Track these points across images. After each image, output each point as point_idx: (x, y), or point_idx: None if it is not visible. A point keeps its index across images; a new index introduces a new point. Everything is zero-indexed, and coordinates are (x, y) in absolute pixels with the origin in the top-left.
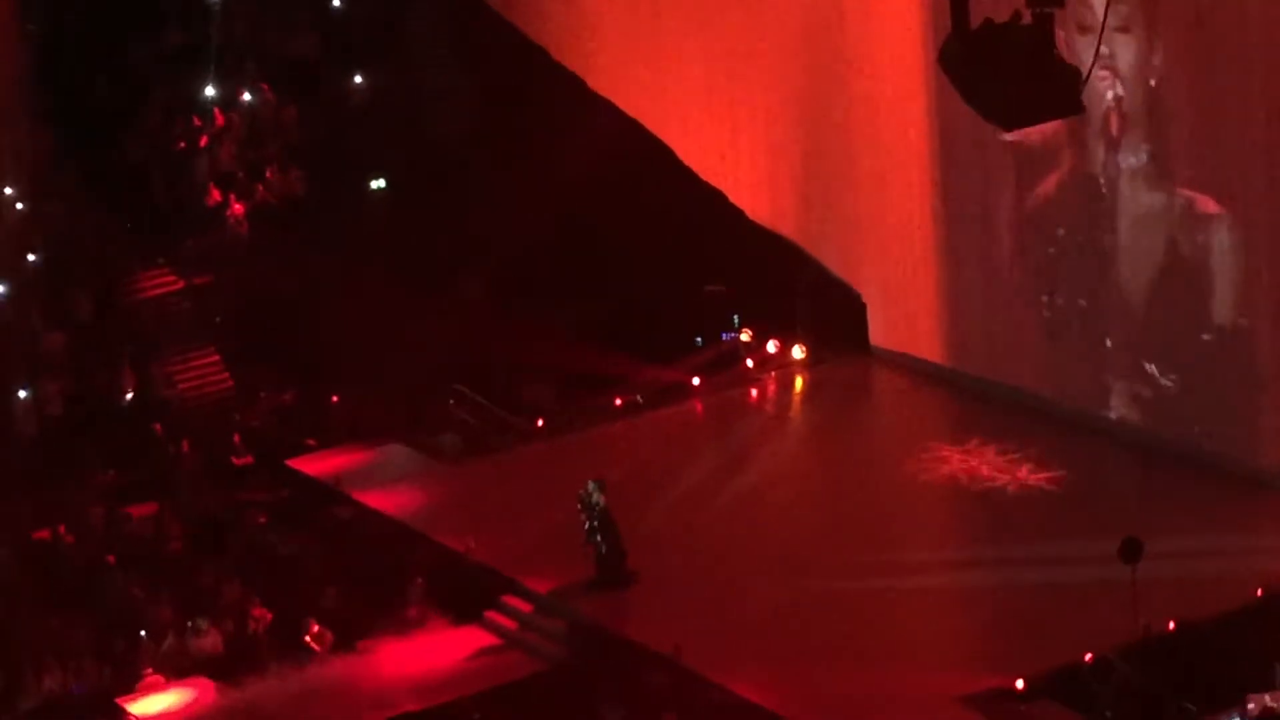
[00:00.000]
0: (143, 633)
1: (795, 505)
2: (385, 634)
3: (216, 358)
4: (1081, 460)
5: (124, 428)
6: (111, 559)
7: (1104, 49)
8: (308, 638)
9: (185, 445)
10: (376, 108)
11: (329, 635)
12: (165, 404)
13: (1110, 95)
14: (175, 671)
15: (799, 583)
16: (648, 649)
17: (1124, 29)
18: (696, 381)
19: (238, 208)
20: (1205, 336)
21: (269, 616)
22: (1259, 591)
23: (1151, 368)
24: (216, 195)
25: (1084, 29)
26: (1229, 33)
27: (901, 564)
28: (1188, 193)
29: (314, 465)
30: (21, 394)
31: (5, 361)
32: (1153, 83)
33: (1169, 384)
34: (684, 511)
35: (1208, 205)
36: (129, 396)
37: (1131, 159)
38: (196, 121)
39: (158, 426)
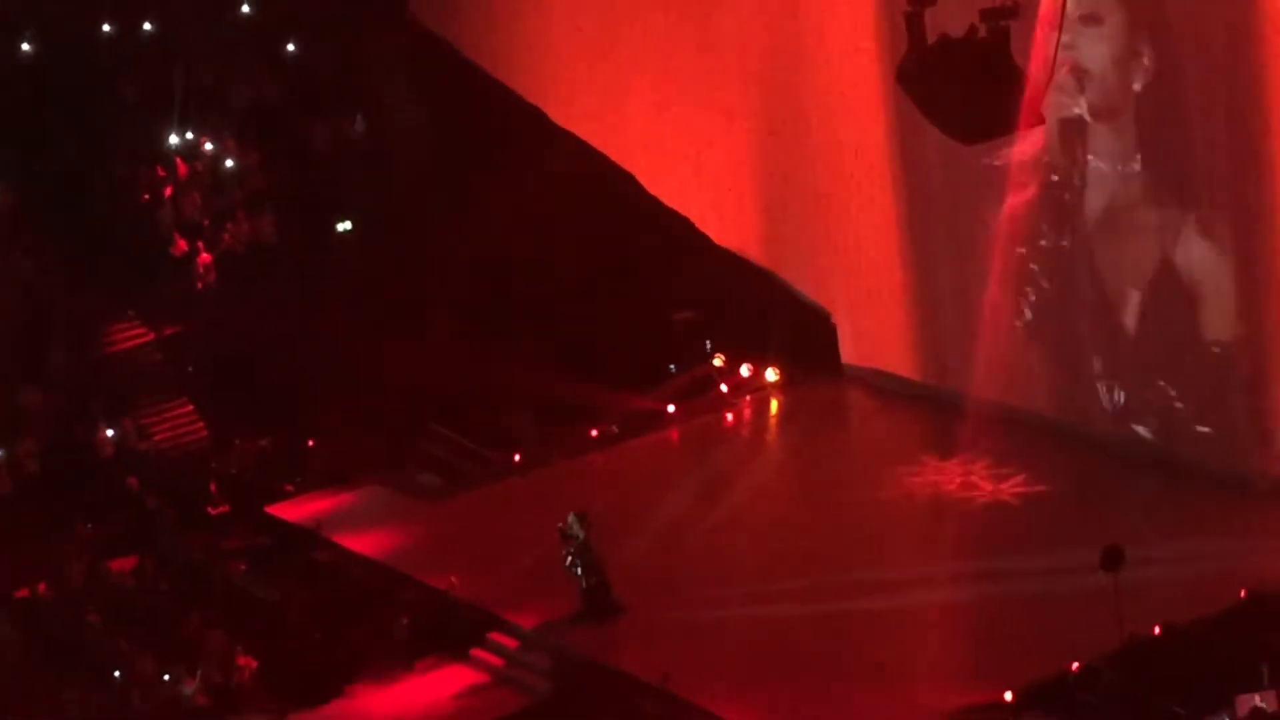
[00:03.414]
0: (127, 685)
1: (777, 528)
2: (372, 676)
3: (190, 408)
4: (1059, 470)
5: (101, 482)
6: (93, 614)
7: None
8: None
9: (163, 496)
10: (340, 150)
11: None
12: (141, 456)
13: (1076, 104)
14: None
15: (784, 605)
16: (636, 679)
17: (1094, 20)
18: (671, 409)
19: (205, 257)
20: (1179, 343)
21: (254, 664)
22: (1242, 593)
23: (1126, 375)
24: (183, 245)
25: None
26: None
27: (885, 581)
28: (1158, 201)
29: (293, 510)
30: None
31: None
32: (1137, 86)
33: (1144, 391)
34: (665, 539)
35: (1177, 213)
36: (105, 450)
37: (1116, 165)
38: (160, 172)
39: (134, 480)
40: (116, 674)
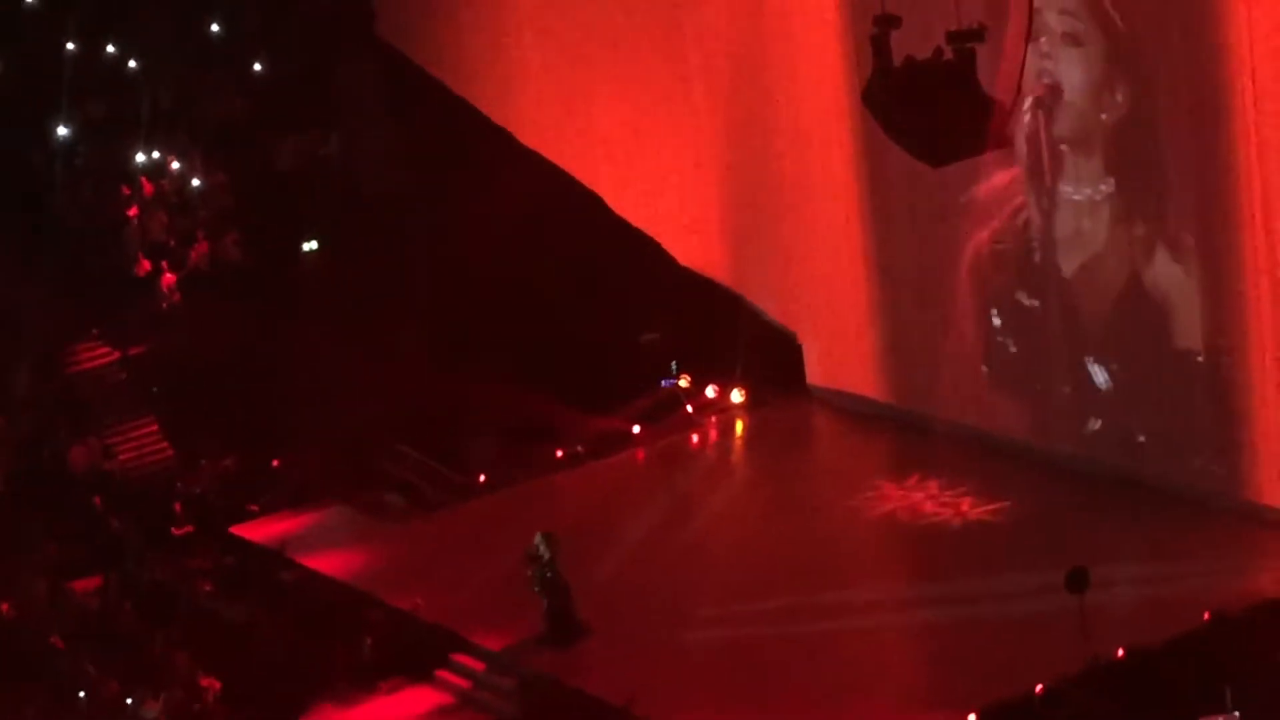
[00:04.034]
0: (90, 706)
1: (742, 549)
2: (337, 697)
3: (155, 427)
4: (1024, 492)
5: (65, 501)
6: (57, 634)
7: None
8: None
9: (127, 516)
10: (307, 169)
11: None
12: (106, 476)
13: (1046, 126)
14: None
15: (749, 627)
16: (602, 701)
17: (1074, 40)
18: (637, 429)
19: (170, 276)
20: (1146, 365)
21: (217, 685)
22: (1206, 615)
23: (1092, 397)
24: (147, 264)
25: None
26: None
27: (851, 603)
28: (1126, 224)
29: (258, 531)
30: None
31: None
32: (1104, 116)
33: (1110, 413)
34: (631, 560)
35: (1145, 237)
36: (72, 469)
37: (1083, 189)
38: (125, 191)
39: (98, 499)
40: (80, 695)
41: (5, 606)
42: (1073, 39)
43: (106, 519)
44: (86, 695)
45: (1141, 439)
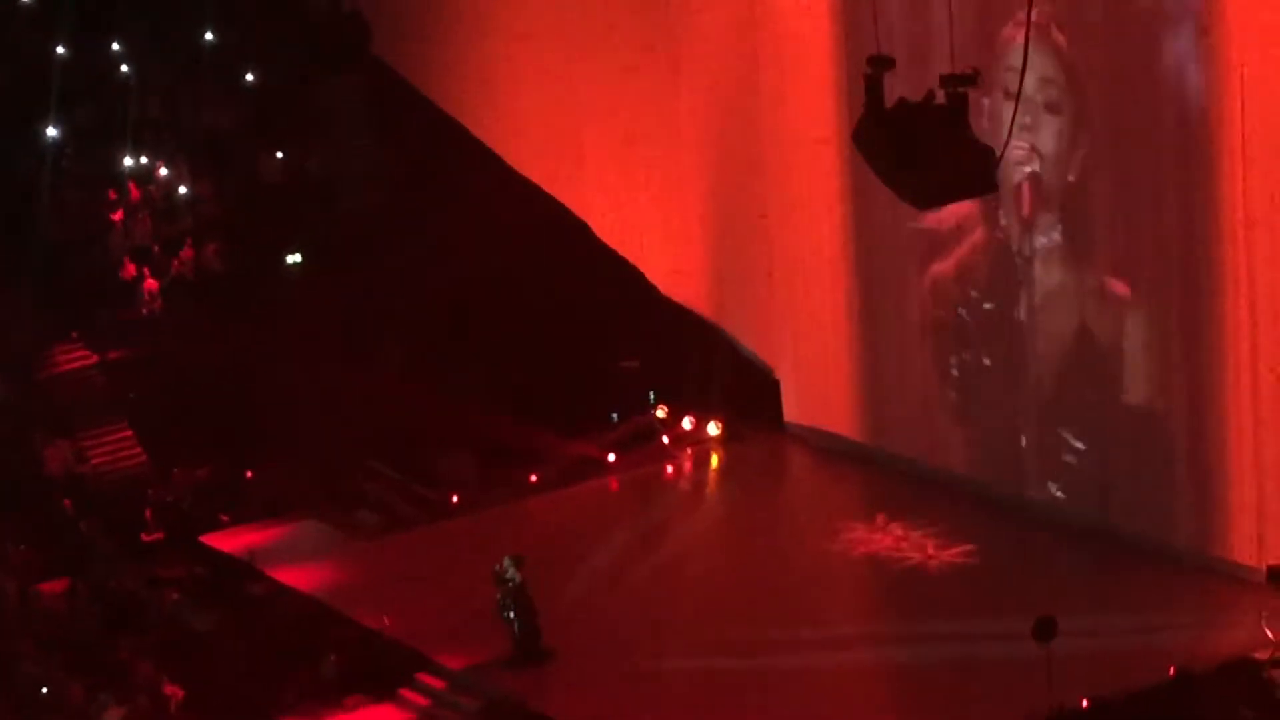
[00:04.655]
0: (53, 709)
1: (711, 581)
2: (299, 712)
3: (130, 433)
4: (994, 537)
5: (36, 503)
6: (24, 636)
7: (1027, 121)
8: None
9: (98, 521)
10: (293, 183)
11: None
12: (78, 480)
13: (1027, 171)
14: None
15: (714, 659)
16: None
17: (1052, 109)
18: (612, 457)
19: (152, 283)
20: (1117, 416)
21: (181, 694)
22: (1171, 671)
23: (1064, 445)
24: (131, 270)
25: (1009, 95)
26: (1145, 124)
27: (816, 640)
28: (1102, 273)
29: (228, 541)
30: None
31: None
32: (1071, 178)
33: (1081, 462)
34: (600, 588)
35: (1121, 287)
36: (41, 472)
37: (1047, 238)
38: (111, 195)
39: (69, 502)
40: (44, 692)
41: None
42: (1050, 107)
43: (77, 523)
44: (49, 697)
45: (1113, 491)
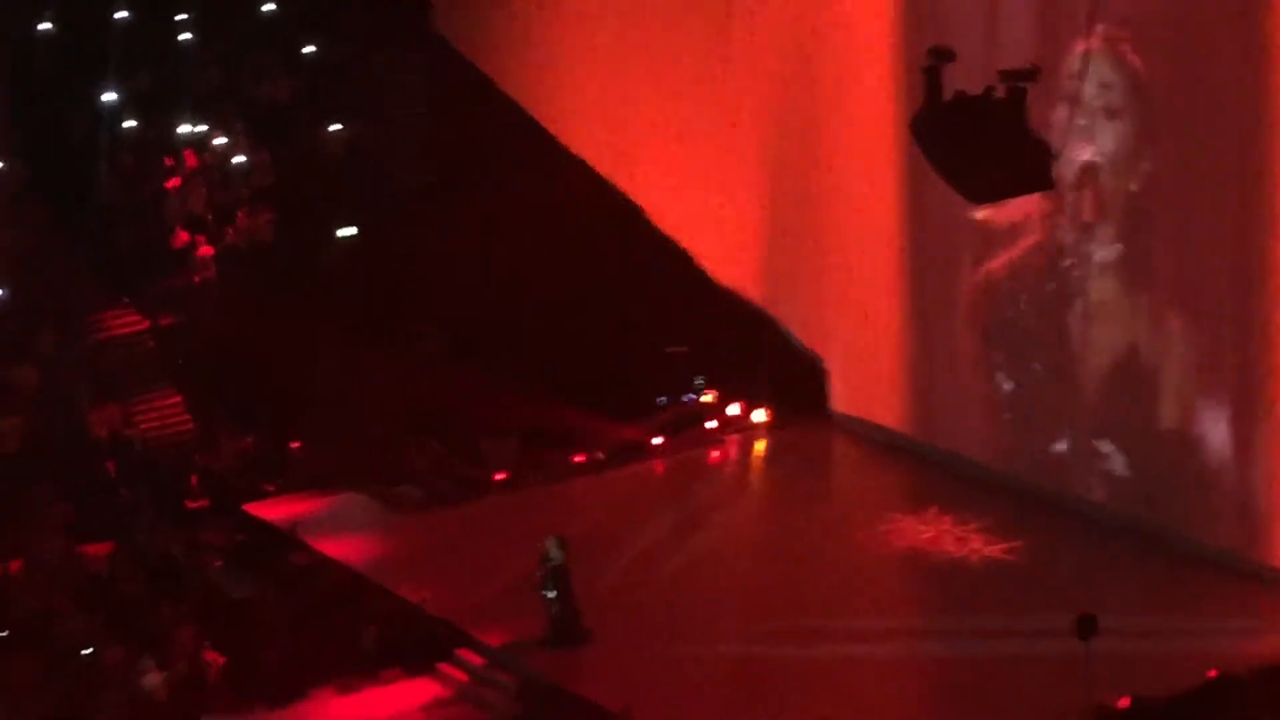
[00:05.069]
0: (92, 671)
1: (752, 568)
2: (337, 682)
3: (179, 399)
4: (1037, 534)
5: (82, 465)
6: (65, 596)
7: (1084, 124)
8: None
9: (142, 485)
10: (348, 156)
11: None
12: (125, 443)
13: (1088, 175)
14: (124, 713)
15: (753, 647)
16: (599, 707)
17: (1112, 114)
18: (658, 441)
19: (206, 250)
20: (1166, 417)
21: (221, 660)
22: (1212, 673)
23: (1108, 446)
24: (184, 237)
25: (1069, 98)
26: (1208, 139)
27: (856, 632)
28: (1157, 283)
29: (272, 511)
30: None
31: None
32: (1133, 187)
33: (1125, 463)
34: (640, 571)
35: (1163, 297)
36: (89, 434)
37: (1104, 243)
38: (168, 162)
39: (114, 465)
40: (85, 654)
41: (15, 565)
42: (1108, 111)
43: (122, 486)
44: (88, 660)
45: (1156, 493)
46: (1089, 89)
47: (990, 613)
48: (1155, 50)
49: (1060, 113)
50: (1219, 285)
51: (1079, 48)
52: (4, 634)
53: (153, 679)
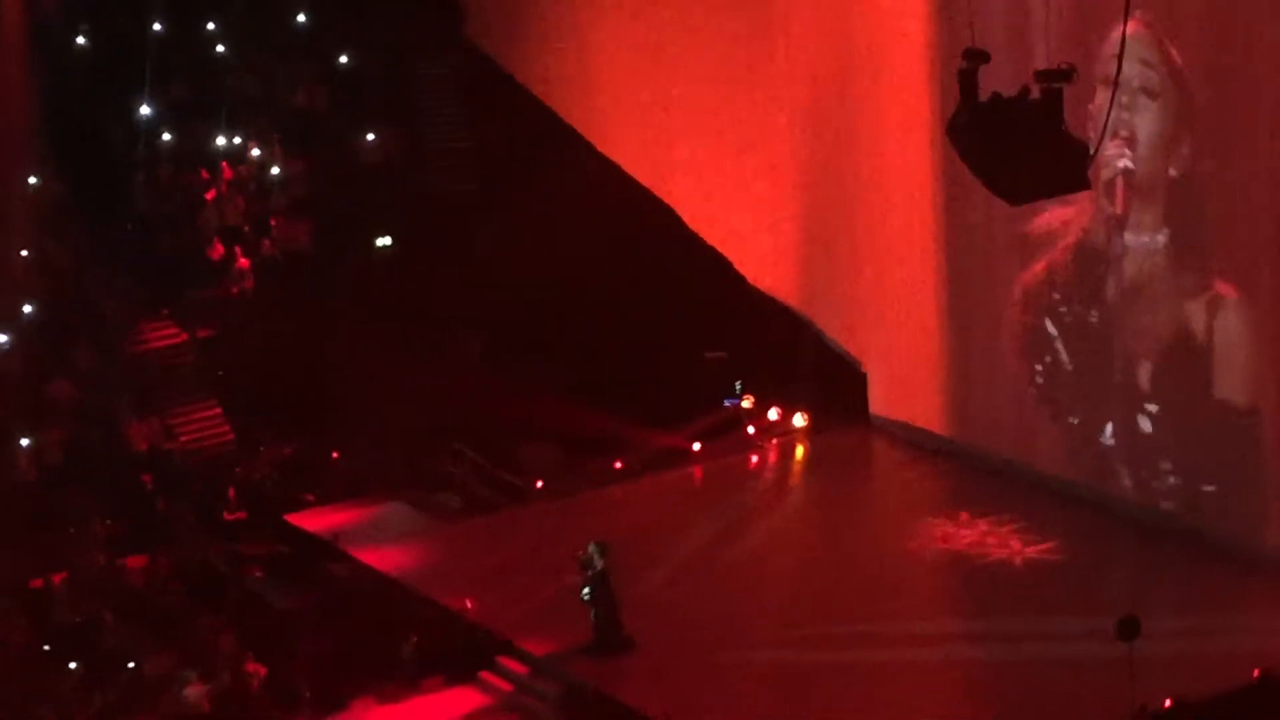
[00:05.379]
0: (134, 683)
1: (793, 573)
2: (379, 692)
3: (218, 410)
4: (1078, 536)
5: (123, 478)
6: (108, 608)
7: (1122, 119)
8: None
9: (182, 497)
10: (384, 164)
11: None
12: (165, 455)
13: (1120, 167)
14: None
15: (793, 651)
16: (641, 714)
17: (1150, 94)
18: (697, 446)
19: (243, 262)
20: (1205, 416)
21: (262, 671)
22: (1255, 673)
23: (1152, 445)
24: (222, 248)
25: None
26: (1248, 120)
27: (897, 635)
28: (1200, 272)
29: (312, 521)
30: (23, 442)
31: (6, 409)
32: (1173, 172)
33: (1169, 462)
34: (681, 577)
35: (1216, 288)
36: (129, 447)
37: (1142, 234)
38: (204, 174)
39: (152, 478)
40: (129, 666)
41: (58, 577)
42: (1148, 92)
43: (163, 498)
44: (131, 672)
45: (1200, 492)
46: (1128, 69)
47: (1032, 614)
48: (1191, 32)
49: (1100, 96)
50: (1264, 272)
51: (1117, 33)
52: (47, 647)
53: (195, 690)
